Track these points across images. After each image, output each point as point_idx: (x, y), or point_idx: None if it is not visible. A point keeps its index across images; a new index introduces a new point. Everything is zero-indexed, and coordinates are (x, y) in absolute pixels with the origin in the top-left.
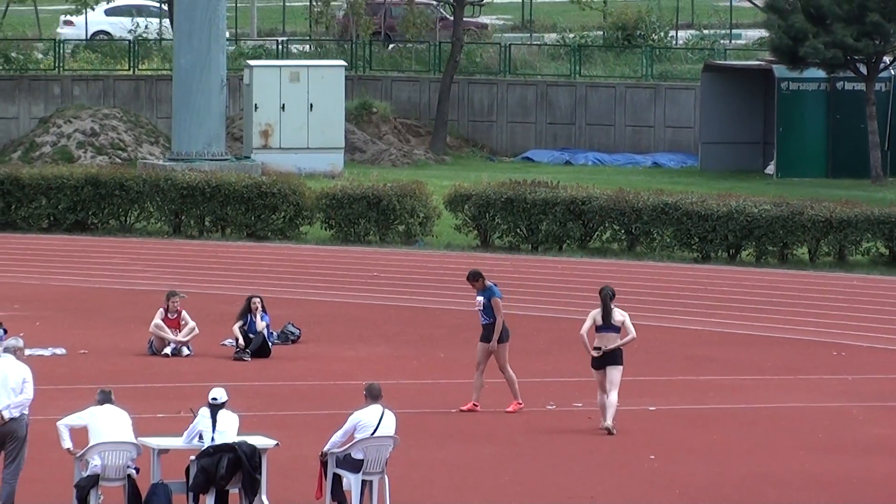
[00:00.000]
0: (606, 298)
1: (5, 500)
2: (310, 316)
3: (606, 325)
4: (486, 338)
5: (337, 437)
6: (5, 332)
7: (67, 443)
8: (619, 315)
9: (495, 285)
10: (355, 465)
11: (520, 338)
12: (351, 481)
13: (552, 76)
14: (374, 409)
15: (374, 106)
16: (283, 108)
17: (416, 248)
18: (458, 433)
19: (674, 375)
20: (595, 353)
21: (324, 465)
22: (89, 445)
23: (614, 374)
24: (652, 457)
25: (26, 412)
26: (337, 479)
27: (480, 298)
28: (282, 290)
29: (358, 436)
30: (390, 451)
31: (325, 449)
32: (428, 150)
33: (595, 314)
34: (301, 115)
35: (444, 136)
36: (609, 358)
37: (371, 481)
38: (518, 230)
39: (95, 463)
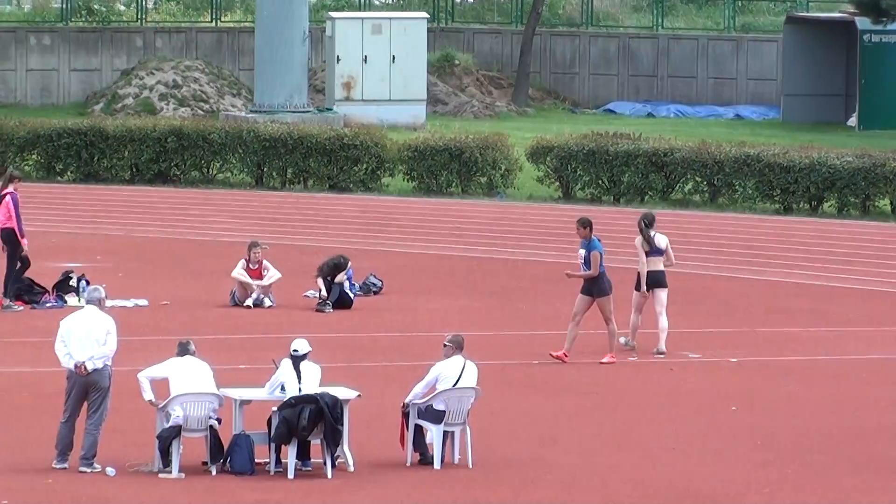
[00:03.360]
0: (641, 225)
1: (88, 450)
2: (392, 267)
3: (653, 249)
4: (586, 290)
5: (419, 388)
6: (87, 283)
7: (149, 394)
8: (662, 240)
9: (598, 239)
10: (437, 417)
11: None
12: (433, 432)
13: (634, 28)
14: (456, 361)
15: (456, 58)
16: (365, 60)
17: (498, 200)
18: (539, 384)
19: (755, 327)
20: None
21: (405, 416)
22: (171, 396)
23: (662, 295)
24: (734, 408)
25: (109, 363)
26: (418, 430)
27: (582, 251)
28: (364, 241)
29: (440, 387)
30: (472, 403)
31: (407, 400)
32: (510, 103)
33: (640, 242)
34: (383, 67)
35: (526, 89)
36: (657, 280)
37: (453, 432)
38: (600, 182)
39: (177, 414)
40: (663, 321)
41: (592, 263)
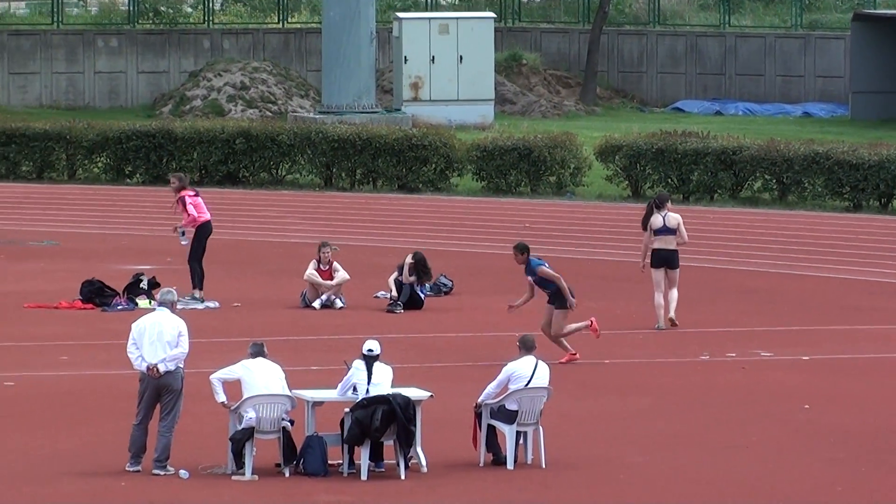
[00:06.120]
0: (650, 203)
1: (161, 453)
2: (462, 267)
3: (664, 228)
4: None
5: (491, 388)
6: (158, 285)
7: (221, 396)
8: (674, 219)
9: (538, 258)
10: (509, 417)
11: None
12: (505, 432)
13: (701, 26)
14: (528, 361)
15: (523, 57)
16: (432, 60)
17: (567, 199)
18: (611, 384)
19: (827, 325)
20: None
21: (478, 416)
22: (243, 398)
23: (673, 275)
24: (806, 406)
25: (181, 365)
26: (491, 431)
27: (530, 278)
28: (433, 241)
29: (512, 387)
30: (544, 402)
31: (480, 400)
32: (578, 102)
33: (652, 220)
34: (451, 67)
35: (594, 88)
36: (669, 261)
37: (525, 432)
38: (669, 180)
39: (250, 416)
40: (674, 293)
41: (550, 278)
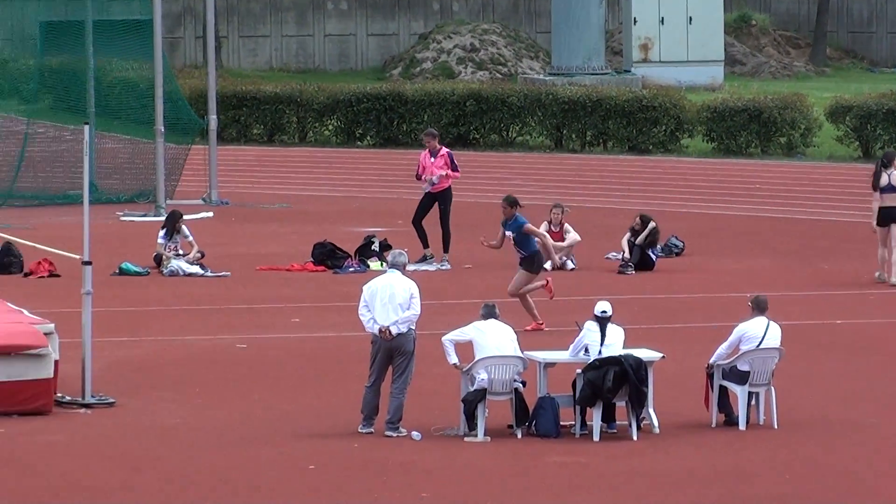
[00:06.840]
0: (878, 163)
1: (393, 415)
2: (693, 228)
3: (889, 185)
4: (522, 264)
5: (722, 349)
6: (389, 247)
7: (453, 358)
8: None
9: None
10: (741, 377)
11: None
12: (737, 393)
13: None
14: (760, 321)
15: (752, 18)
16: (661, 21)
17: (798, 160)
18: (843, 344)
19: None
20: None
21: (710, 377)
22: (476, 360)
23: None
24: None
25: (413, 327)
26: (723, 391)
27: (510, 233)
28: (664, 202)
29: (743, 348)
30: (776, 363)
31: (711, 361)
32: (808, 62)
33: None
34: (680, 29)
35: (823, 48)
36: (892, 216)
37: (757, 393)
38: None
39: (482, 377)
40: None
41: (531, 234)
